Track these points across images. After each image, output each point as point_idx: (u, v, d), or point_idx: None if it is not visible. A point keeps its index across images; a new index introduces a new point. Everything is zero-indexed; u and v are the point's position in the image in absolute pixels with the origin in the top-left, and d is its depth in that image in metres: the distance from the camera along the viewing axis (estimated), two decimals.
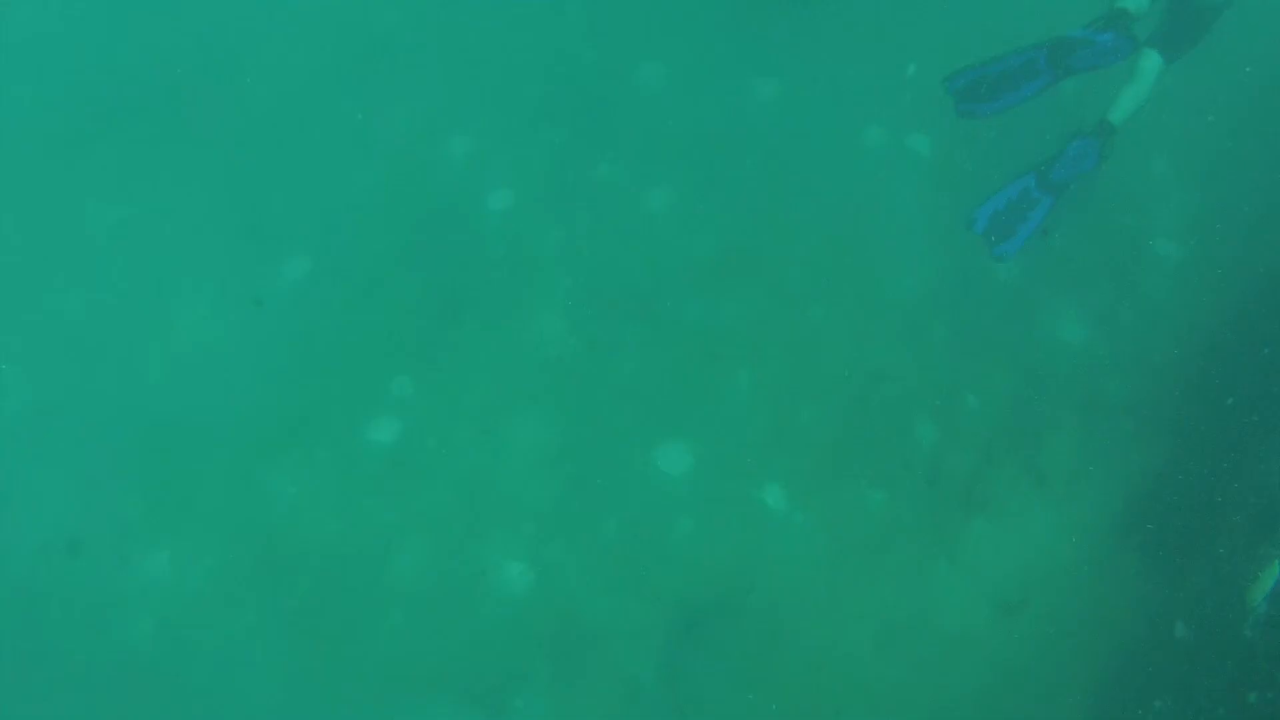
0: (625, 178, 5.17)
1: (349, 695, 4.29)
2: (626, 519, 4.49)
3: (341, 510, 4.55)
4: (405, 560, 4.46)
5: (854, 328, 4.82)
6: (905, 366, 4.74)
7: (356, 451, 4.64)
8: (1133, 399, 4.70)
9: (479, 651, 4.33)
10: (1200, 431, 4.52)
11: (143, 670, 4.34)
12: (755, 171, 5.16)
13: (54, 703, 4.33)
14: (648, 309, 4.88)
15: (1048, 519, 4.49)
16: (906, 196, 5.09)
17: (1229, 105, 5.13)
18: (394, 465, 4.61)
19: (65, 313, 5.01)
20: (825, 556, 4.42)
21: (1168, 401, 4.66)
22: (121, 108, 5.47)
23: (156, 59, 5.59)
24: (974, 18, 5.21)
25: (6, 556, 4.54)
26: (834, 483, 4.54)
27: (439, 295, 4.95)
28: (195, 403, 4.77)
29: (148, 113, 5.45)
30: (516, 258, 5.02)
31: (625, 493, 4.53)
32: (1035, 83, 4.48)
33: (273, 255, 5.07)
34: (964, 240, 4.67)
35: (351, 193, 5.21)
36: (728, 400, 4.70)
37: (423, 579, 4.43)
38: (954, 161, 5.13)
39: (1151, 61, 4.50)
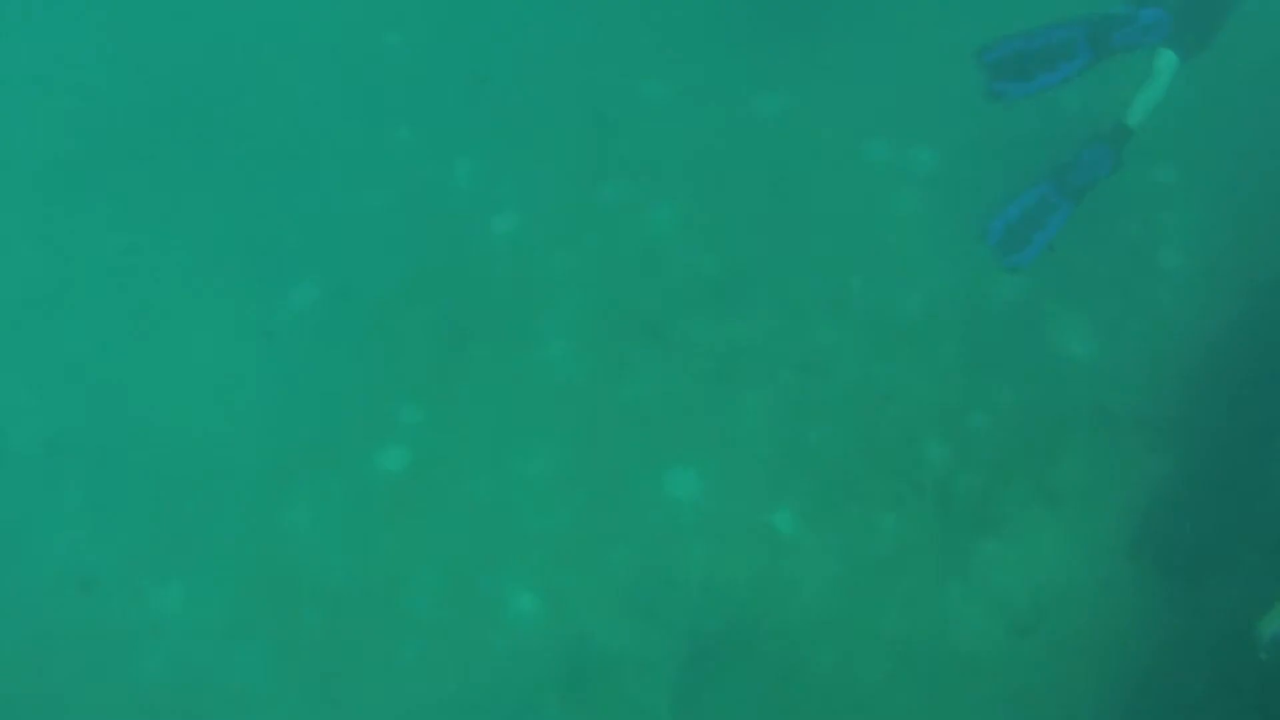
0: (630, 197, 5.16)
1: None
2: (637, 546, 4.48)
3: (352, 541, 4.55)
4: (416, 590, 4.46)
5: (862, 347, 4.80)
6: (914, 386, 4.71)
7: (367, 481, 4.64)
8: (1144, 414, 4.65)
9: (490, 682, 4.32)
10: (1214, 447, 4.48)
11: (156, 706, 4.34)
12: (761, 189, 5.14)
13: None
14: (655, 331, 4.86)
15: (1060, 538, 4.45)
16: (913, 211, 5.06)
17: (1237, 112, 5.08)
18: (404, 494, 4.61)
19: (71, 344, 5.01)
20: (837, 580, 4.40)
21: (1180, 416, 4.61)
22: (125, 134, 5.49)
23: (159, 84, 5.62)
24: (976, 30, 5.17)
25: (18, 593, 4.54)
26: (844, 505, 4.52)
27: (446, 320, 4.95)
28: (204, 433, 4.77)
29: (152, 139, 5.46)
30: (522, 280, 5.01)
31: (635, 519, 4.52)
32: (1074, 63, 4.29)
33: (279, 282, 5.08)
34: (970, 255, 4.64)
35: (356, 218, 5.21)
36: (736, 423, 4.68)
37: (434, 610, 4.43)
38: (960, 175, 5.09)
39: (1167, 61, 4.36)
